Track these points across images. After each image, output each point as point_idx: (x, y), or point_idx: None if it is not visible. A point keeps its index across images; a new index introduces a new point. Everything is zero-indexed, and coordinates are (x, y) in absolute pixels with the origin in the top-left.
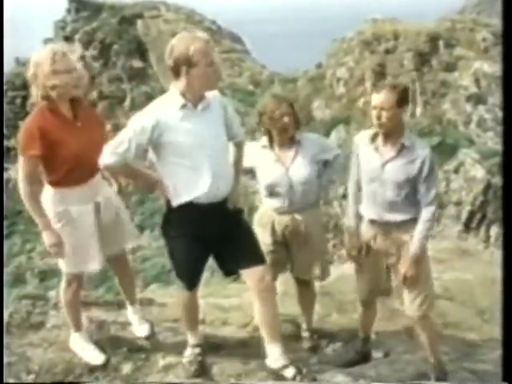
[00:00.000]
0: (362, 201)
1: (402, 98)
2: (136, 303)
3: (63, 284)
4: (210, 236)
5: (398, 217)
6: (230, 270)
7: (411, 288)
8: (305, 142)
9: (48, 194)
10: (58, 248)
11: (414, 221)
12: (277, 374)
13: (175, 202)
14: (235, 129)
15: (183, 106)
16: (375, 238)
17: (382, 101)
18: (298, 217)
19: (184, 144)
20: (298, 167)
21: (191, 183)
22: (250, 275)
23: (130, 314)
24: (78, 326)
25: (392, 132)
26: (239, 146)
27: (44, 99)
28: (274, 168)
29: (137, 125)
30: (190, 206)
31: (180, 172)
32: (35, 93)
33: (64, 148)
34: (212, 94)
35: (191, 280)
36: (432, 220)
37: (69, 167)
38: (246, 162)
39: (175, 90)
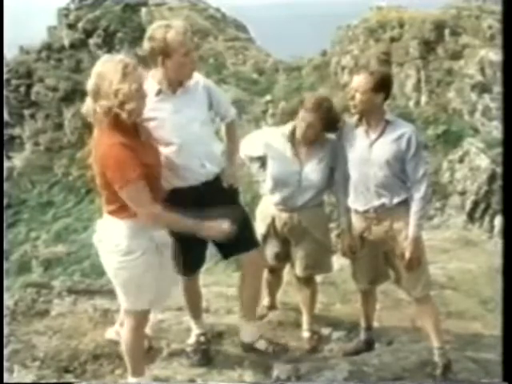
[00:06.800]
0: (349, 193)
1: (379, 85)
2: None
3: (128, 325)
4: (207, 217)
5: (388, 200)
6: (229, 253)
7: (414, 270)
8: (327, 145)
9: (121, 225)
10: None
11: (405, 206)
12: (250, 347)
13: (166, 188)
14: (223, 109)
15: (159, 92)
16: (369, 229)
17: (358, 83)
18: (297, 215)
19: (163, 128)
20: (312, 169)
21: (175, 168)
22: (245, 258)
23: None
24: (139, 372)
25: (370, 114)
26: (231, 126)
27: (107, 118)
28: (289, 162)
29: None
30: (182, 189)
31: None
32: (93, 107)
33: (147, 169)
34: (194, 79)
35: (190, 265)
36: (425, 199)
37: (153, 190)
38: (260, 149)
39: (152, 79)
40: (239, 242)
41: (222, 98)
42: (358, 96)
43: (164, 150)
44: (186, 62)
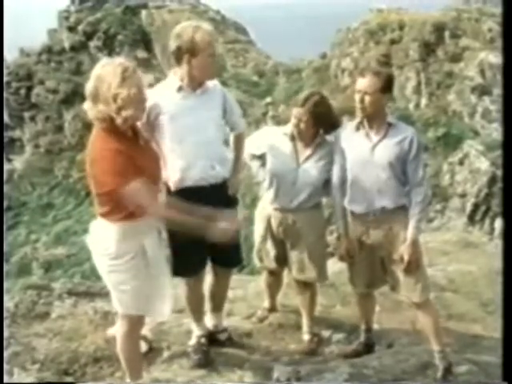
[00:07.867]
0: (346, 194)
1: (386, 85)
2: None
3: (122, 329)
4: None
5: (388, 203)
6: (219, 263)
7: (412, 273)
8: (326, 146)
9: (111, 229)
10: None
11: (403, 209)
12: (212, 335)
13: (174, 187)
14: (235, 119)
15: (180, 89)
16: (368, 233)
17: (366, 85)
18: (292, 216)
19: (179, 124)
20: (309, 168)
21: (186, 164)
22: (224, 270)
23: None
24: (136, 376)
25: (375, 117)
26: (239, 138)
27: (104, 122)
28: (286, 160)
29: None
30: (191, 188)
31: (175, 154)
32: (91, 110)
33: (143, 173)
34: (213, 83)
35: (191, 266)
36: (424, 201)
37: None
38: (261, 147)
39: (174, 76)
40: (228, 257)
41: (235, 109)
42: (367, 98)
43: (175, 147)
44: (210, 62)
